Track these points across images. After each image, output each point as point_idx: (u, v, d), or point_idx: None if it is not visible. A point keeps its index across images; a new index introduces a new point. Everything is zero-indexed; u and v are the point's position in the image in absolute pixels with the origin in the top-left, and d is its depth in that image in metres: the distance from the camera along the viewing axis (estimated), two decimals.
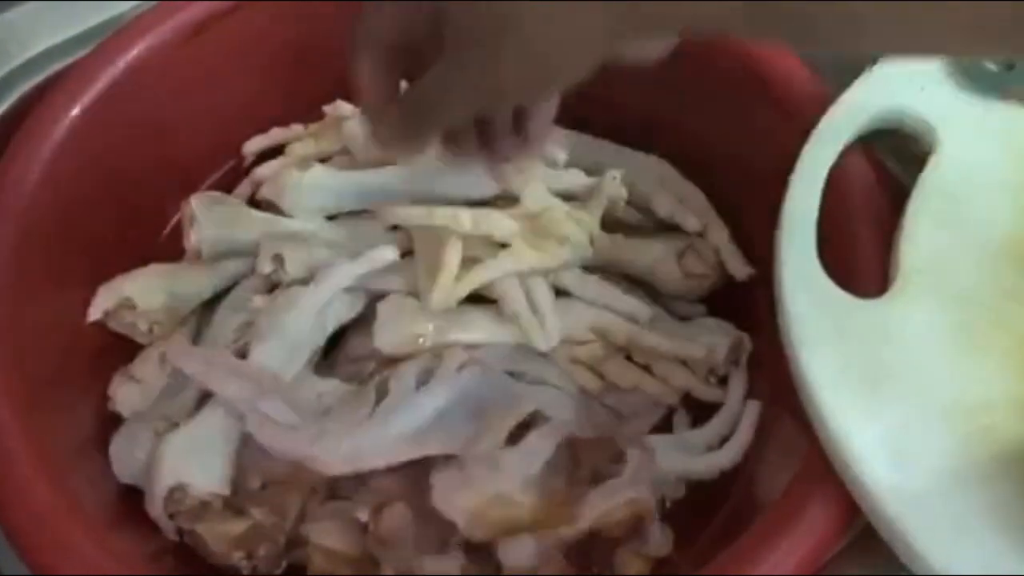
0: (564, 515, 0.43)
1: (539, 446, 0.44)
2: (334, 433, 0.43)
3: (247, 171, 0.56)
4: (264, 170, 0.55)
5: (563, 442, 0.44)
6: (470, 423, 0.44)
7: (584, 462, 0.44)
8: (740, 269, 0.51)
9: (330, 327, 0.48)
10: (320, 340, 0.48)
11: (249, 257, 0.50)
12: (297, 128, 0.57)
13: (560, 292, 0.50)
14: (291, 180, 0.51)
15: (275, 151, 0.57)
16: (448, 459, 0.44)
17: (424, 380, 0.46)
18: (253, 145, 0.57)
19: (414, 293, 0.48)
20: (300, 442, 0.43)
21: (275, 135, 0.57)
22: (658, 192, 0.52)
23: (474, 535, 0.43)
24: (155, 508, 0.42)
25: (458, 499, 0.42)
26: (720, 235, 0.52)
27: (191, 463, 0.43)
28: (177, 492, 0.42)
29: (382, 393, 0.45)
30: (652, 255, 0.51)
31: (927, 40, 0.30)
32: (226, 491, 0.43)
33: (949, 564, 0.34)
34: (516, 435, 0.44)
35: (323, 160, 0.54)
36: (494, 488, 0.42)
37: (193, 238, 0.50)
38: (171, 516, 0.43)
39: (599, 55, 0.34)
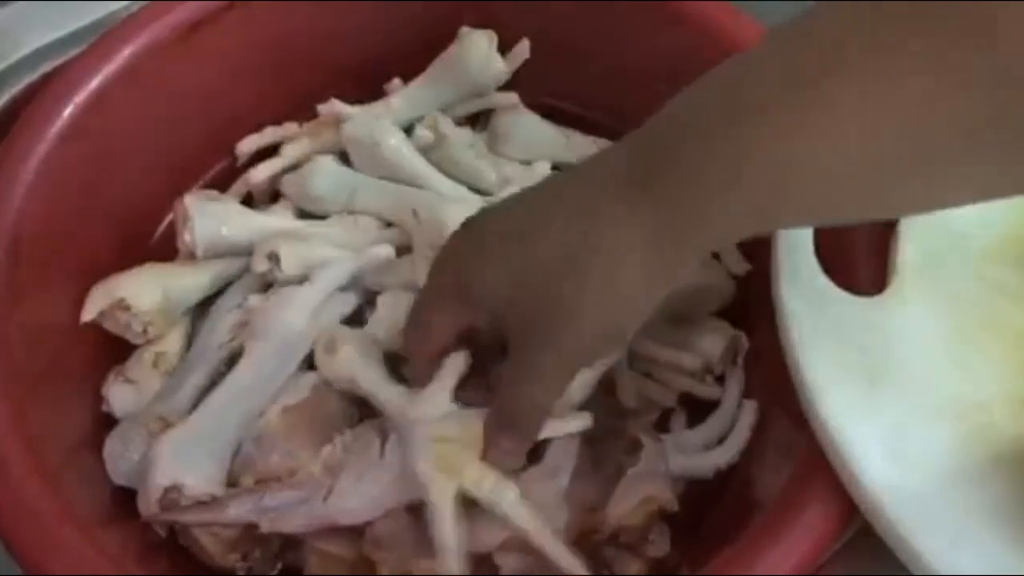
0: (595, 521, 0.42)
1: (562, 458, 0.43)
2: (347, 490, 0.42)
3: (241, 171, 0.56)
4: (258, 170, 0.55)
5: (581, 445, 0.44)
6: None
7: (605, 460, 0.44)
8: (737, 265, 0.50)
9: (326, 326, 0.48)
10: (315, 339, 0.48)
11: (244, 256, 0.50)
12: (291, 127, 0.57)
13: None
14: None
15: (269, 151, 0.56)
16: None
17: None
18: (247, 145, 0.57)
19: (411, 290, 0.48)
20: (315, 510, 0.42)
21: (269, 134, 0.57)
22: None
23: (509, 563, 0.42)
24: (149, 508, 0.42)
25: (487, 537, 0.41)
26: None
27: (185, 463, 0.43)
28: (171, 492, 0.42)
29: (384, 433, 0.44)
30: None
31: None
32: (221, 491, 0.43)
33: (946, 563, 0.34)
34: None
35: None
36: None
37: (187, 237, 0.49)
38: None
39: (661, 298, 0.36)
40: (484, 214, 0.40)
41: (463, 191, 0.53)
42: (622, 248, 0.34)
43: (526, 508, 0.41)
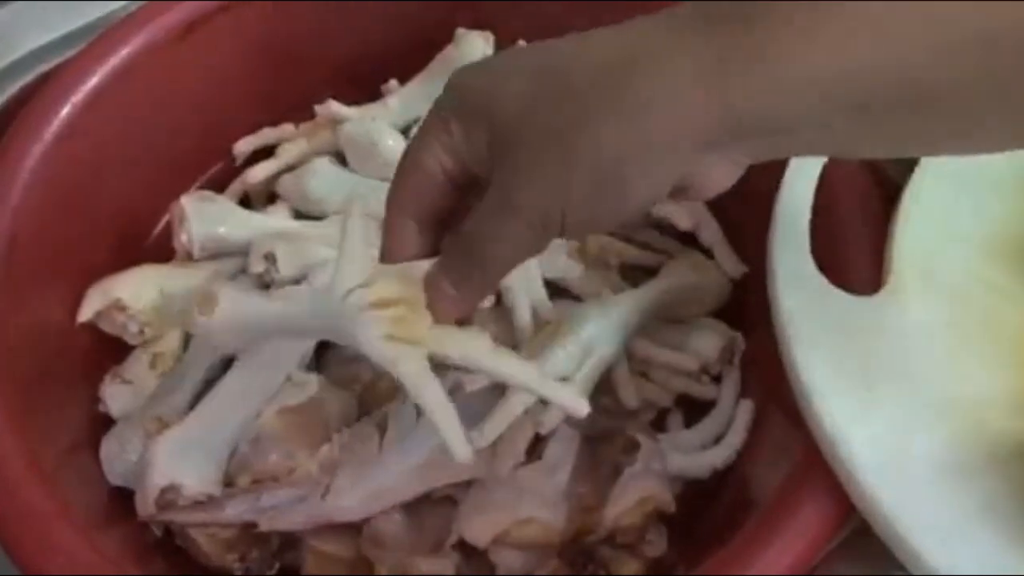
0: (593, 521, 0.43)
1: (561, 456, 0.43)
2: (344, 488, 0.42)
3: (238, 172, 0.56)
4: (255, 171, 0.55)
5: (580, 444, 0.44)
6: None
7: (602, 460, 0.44)
8: (734, 267, 0.51)
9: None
10: (312, 341, 0.48)
11: (240, 257, 0.50)
12: (288, 128, 0.57)
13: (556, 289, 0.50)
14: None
15: (265, 152, 0.56)
16: (469, 483, 0.43)
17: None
18: (244, 145, 0.57)
19: None
20: (313, 508, 0.42)
21: (266, 135, 0.57)
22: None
23: (506, 562, 0.42)
24: (146, 508, 0.42)
25: (483, 526, 0.42)
26: (713, 233, 0.51)
27: (183, 463, 0.43)
28: (169, 492, 0.42)
29: (383, 427, 0.44)
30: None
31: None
32: (218, 491, 0.43)
33: (943, 561, 0.34)
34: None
35: None
36: (523, 512, 0.42)
37: (184, 237, 0.49)
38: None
39: (679, 170, 0.31)
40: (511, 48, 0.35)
41: None
42: (661, 83, 0.29)
43: (506, 353, 0.36)
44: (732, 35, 0.28)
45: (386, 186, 0.51)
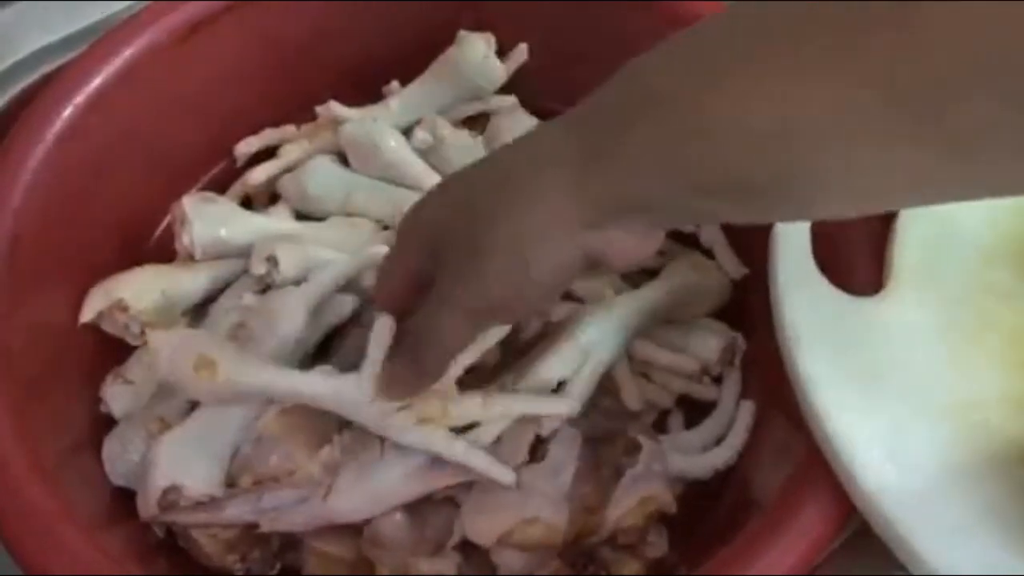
0: (594, 522, 0.43)
1: (564, 457, 0.44)
2: (346, 489, 0.42)
3: (239, 173, 0.56)
4: (256, 172, 0.55)
5: (582, 445, 0.44)
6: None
7: (604, 462, 0.44)
8: (735, 268, 0.51)
9: (323, 327, 0.48)
10: (313, 340, 0.48)
11: (242, 258, 0.50)
12: (289, 129, 0.57)
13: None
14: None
15: (267, 153, 0.57)
16: (470, 485, 0.43)
17: None
18: (245, 147, 0.57)
19: None
20: (315, 509, 0.42)
21: (267, 136, 0.57)
22: None
23: (508, 563, 0.42)
24: (148, 508, 0.42)
25: (487, 526, 0.42)
26: (713, 234, 0.52)
27: (185, 464, 0.43)
28: (171, 493, 0.42)
29: None
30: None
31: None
32: (220, 492, 0.43)
33: (944, 562, 0.35)
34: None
35: None
36: (527, 512, 0.42)
37: (185, 239, 0.50)
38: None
39: (579, 256, 0.36)
40: (448, 175, 0.42)
41: None
42: (538, 182, 0.35)
43: (524, 395, 0.43)
44: (590, 137, 0.34)
45: (384, 186, 0.51)
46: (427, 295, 0.39)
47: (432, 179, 0.53)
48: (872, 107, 0.28)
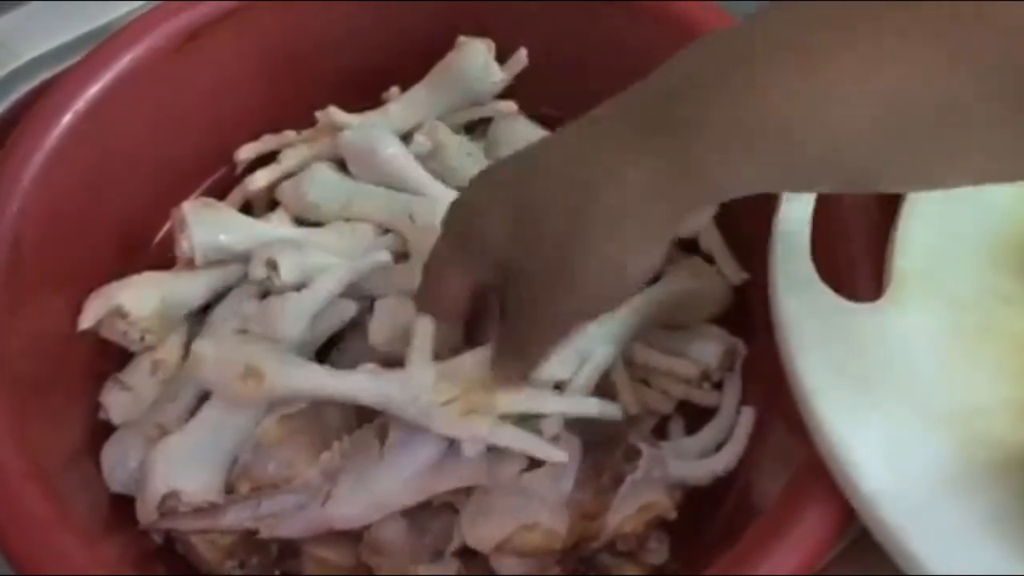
0: (593, 528, 0.43)
1: (564, 463, 0.43)
2: (345, 495, 0.42)
3: (239, 178, 0.56)
4: (256, 177, 0.55)
5: (582, 451, 0.44)
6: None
7: (604, 468, 0.44)
8: (735, 274, 0.51)
9: (324, 333, 0.48)
10: (314, 346, 0.48)
11: (242, 264, 0.50)
12: (289, 134, 0.57)
13: None
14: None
15: (267, 158, 0.56)
16: (469, 491, 0.43)
17: None
18: (245, 152, 0.57)
19: (410, 296, 0.48)
20: (314, 515, 0.42)
21: (267, 142, 0.57)
22: None
23: (507, 569, 0.42)
24: (147, 515, 0.42)
25: (487, 531, 0.42)
26: (714, 240, 0.51)
27: (184, 470, 0.43)
28: (170, 499, 0.42)
29: (383, 435, 0.44)
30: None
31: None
32: (219, 498, 0.43)
33: (945, 568, 0.34)
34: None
35: None
36: (527, 517, 0.42)
37: (185, 244, 0.49)
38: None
39: (667, 243, 0.36)
40: (489, 168, 0.40)
41: None
42: (623, 196, 0.34)
43: (566, 395, 0.44)
44: (673, 150, 0.33)
45: (384, 191, 0.51)
46: (485, 302, 0.41)
47: (432, 185, 0.53)
48: (963, 92, 0.28)
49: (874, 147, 0.30)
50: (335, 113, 0.55)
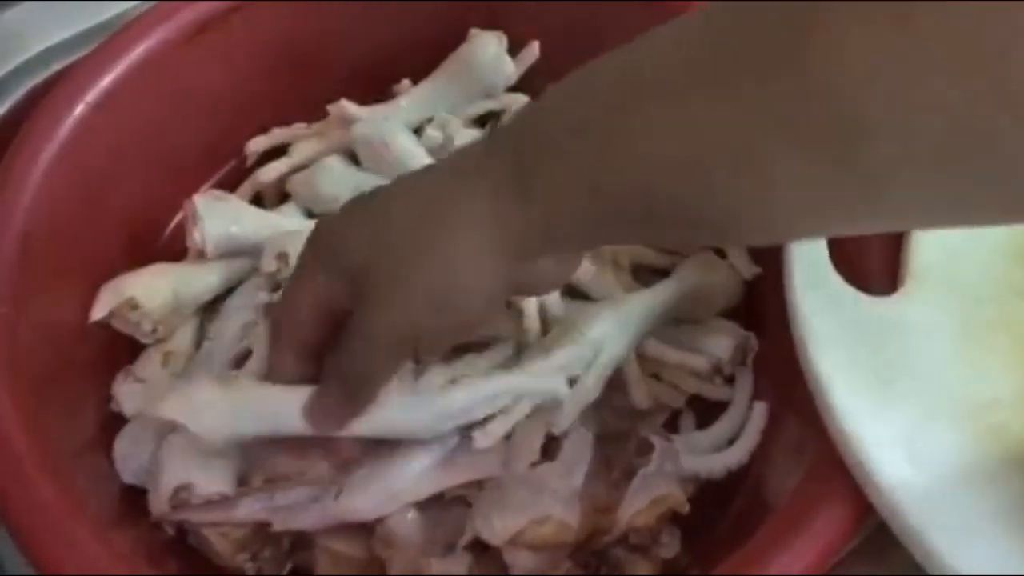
0: (605, 522, 0.43)
1: (577, 456, 0.43)
2: (358, 488, 0.42)
3: (249, 171, 0.56)
4: (267, 170, 0.55)
5: (594, 445, 0.44)
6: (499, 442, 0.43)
7: (616, 462, 0.44)
8: (747, 269, 0.50)
9: None
10: None
11: (253, 256, 0.50)
12: (300, 127, 0.57)
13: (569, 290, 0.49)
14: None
15: (277, 151, 0.56)
16: (481, 484, 0.43)
17: None
18: (256, 145, 0.56)
19: None
20: (327, 507, 0.42)
21: (278, 135, 0.57)
22: None
23: (519, 563, 0.42)
24: (159, 507, 0.42)
25: (500, 525, 0.42)
26: None
27: (196, 462, 0.42)
28: (182, 491, 0.42)
29: None
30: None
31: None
32: (231, 490, 0.43)
33: (962, 563, 0.34)
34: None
35: None
36: (540, 511, 0.41)
37: (196, 236, 0.49)
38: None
39: (506, 286, 0.37)
40: (360, 194, 0.41)
41: None
42: (462, 221, 0.36)
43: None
44: (511, 168, 0.35)
45: None
46: (339, 329, 0.39)
47: None
48: (780, 145, 0.28)
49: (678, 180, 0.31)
50: (346, 106, 0.55)
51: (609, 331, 0.46)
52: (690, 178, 0.30)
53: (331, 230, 0.40)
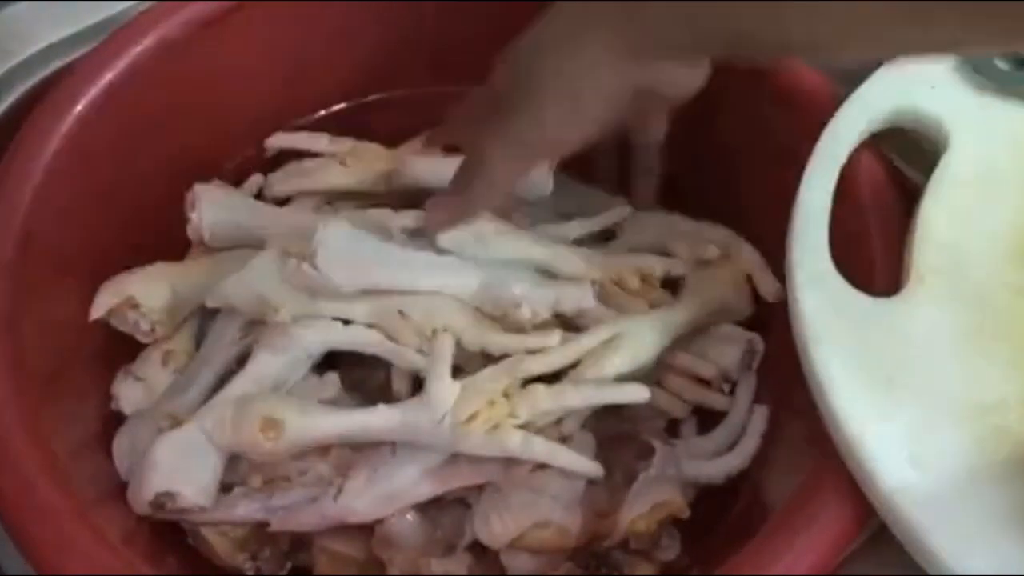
0: (606, 526, 0.42)
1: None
2: (357, 489, 0.42)
3: (249, 174, 0.56)
4: (275, 184, 0.55)
5: (596, 449, 0.44)
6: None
7: (616, 466, 0.43)
8: (772, 291, 0.49)
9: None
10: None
11: (254, 250, 0.49)
12: (322, 140, 0.55)
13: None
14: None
15: (289, 154, 0.56)
16: (481, 486, 0.43)
17: None
18: (277, 141, 0.56)
19: None
20: (326, 508, 0.42)
21: (299, 140, 0.56)
22: (671, 242, 0.51)
23: (518, 565, 0.42)
24: (138, 505, 0.42)
25: (500, 528, 0.42)
26: (750, 257, 0.50)
27: (181, 471, 0.42)
28: (164, 498, 0.41)
29: None
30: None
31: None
32: (210, 503, 0.42)
33: (964, 564, 0.34)
34: None
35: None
36: (540, 515, 0.42)
37: (195, 221, 0.49)
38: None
39: (628, 85, 0.39)
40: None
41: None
42: (586, 28, 0.39)
43: (583, 386, 0.43)
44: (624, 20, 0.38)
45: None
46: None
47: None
48: None
49: None
50: (374, 148, 0.54)
51: (649, 345, 0.46)
52: None
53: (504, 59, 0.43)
